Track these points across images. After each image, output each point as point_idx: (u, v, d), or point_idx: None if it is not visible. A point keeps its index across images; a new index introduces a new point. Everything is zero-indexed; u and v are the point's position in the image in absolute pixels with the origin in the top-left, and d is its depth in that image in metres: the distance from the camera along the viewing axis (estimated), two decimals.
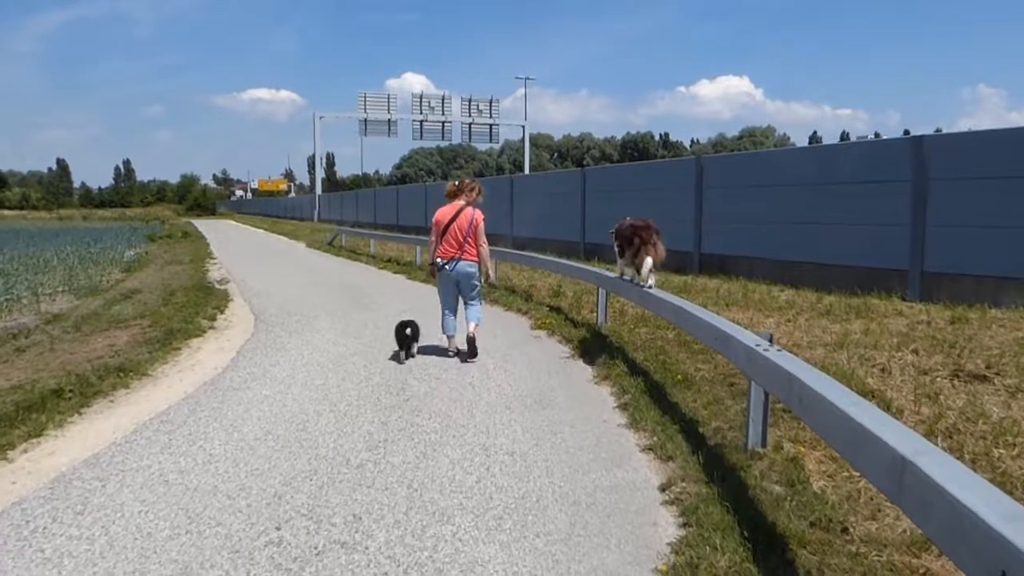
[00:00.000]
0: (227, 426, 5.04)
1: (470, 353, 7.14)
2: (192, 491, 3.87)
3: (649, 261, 6.94)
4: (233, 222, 61.96)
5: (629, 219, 7.51)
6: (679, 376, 5.94)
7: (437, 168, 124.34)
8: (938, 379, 5.46)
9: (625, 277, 7.54)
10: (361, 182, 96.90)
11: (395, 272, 15.85)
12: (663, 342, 7.35)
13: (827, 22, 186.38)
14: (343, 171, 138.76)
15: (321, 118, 51.80)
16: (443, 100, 53.32)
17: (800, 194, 11.32)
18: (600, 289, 8.20)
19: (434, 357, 7.24)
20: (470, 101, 53.74)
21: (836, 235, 10.67)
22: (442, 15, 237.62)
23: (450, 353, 7.34)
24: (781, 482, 3.75)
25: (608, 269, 9.55)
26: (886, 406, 4.84)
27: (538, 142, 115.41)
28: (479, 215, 7.25)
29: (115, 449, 4.59)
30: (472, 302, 7.41)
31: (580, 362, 6.99)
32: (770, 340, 4.05)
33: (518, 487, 3.92)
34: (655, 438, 4.64)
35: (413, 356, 7.27)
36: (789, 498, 3.53)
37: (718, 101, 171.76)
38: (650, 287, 6.89)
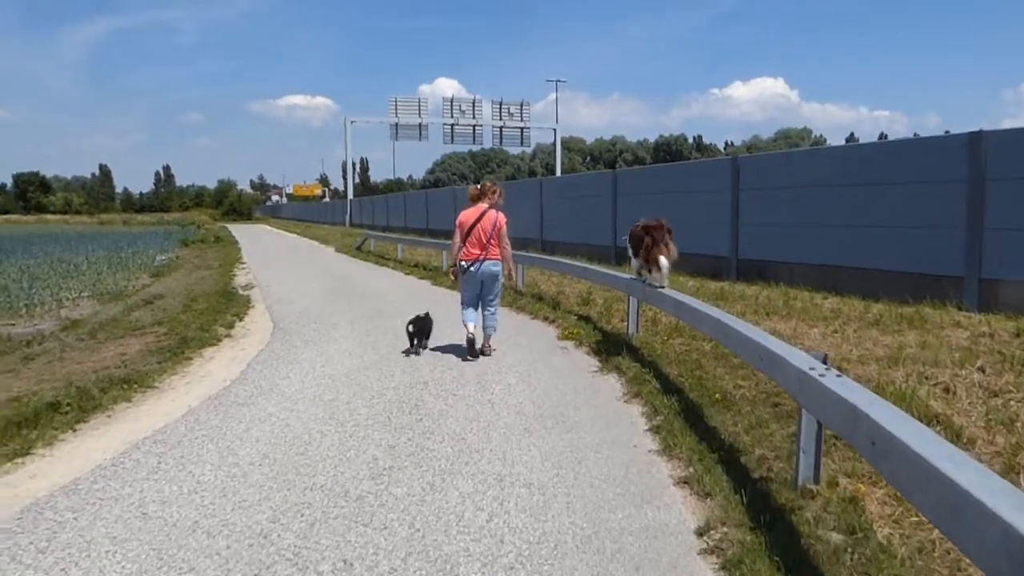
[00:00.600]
0: (223, 448, 4.65)
1: (480, 352, 7.45)
2: (170, 527, 3.47)
3: (664, 261, 6.86)
4: (267, 227, 62.49)
5: (643, 220, 7.44)
6: (717, 394, 5.42)
7: (470, 172, 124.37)
8: (1011, 402, 4.86)
9: (643, 279, 7.39)
10: (394, 187, 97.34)
11: (420, 278, 15.48)
12: (699, 355, 6.82)
13: (864, 22, 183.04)
14: (377, 176, 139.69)
15: (352, 123, 51.93)
16: (474, 104, 53.07)
17: (844, 195, 10.67)
18: (631, 297, 7.68)
19: (452, 372, 6.80)
20: (501, 104, 53.43)
21: (884, 239, 10.01)
22: (475, 21, 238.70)
23: (469, 336, 7.43)
24: (839, 528, 3.23)
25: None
26: (955, 434, 4.28)
27: (570, 145, 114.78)
28: (502, 217, 7.42)
29: (99, 473, 4.23)
30: (491, 307, 7.61)
31: (609, 377, 6.49)
32: (824, 361, 3.52)
33: (534, 528, 3.45)
34: (691, 469, 4.13)
35: (424, 348, 7.79)
36: (850, 550, 3.01)
37: (752, 103, 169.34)
38: (662, 287, 6.90)
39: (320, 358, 7.48)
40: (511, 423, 5.14)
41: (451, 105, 52.35)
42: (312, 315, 10.58)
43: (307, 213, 71.58)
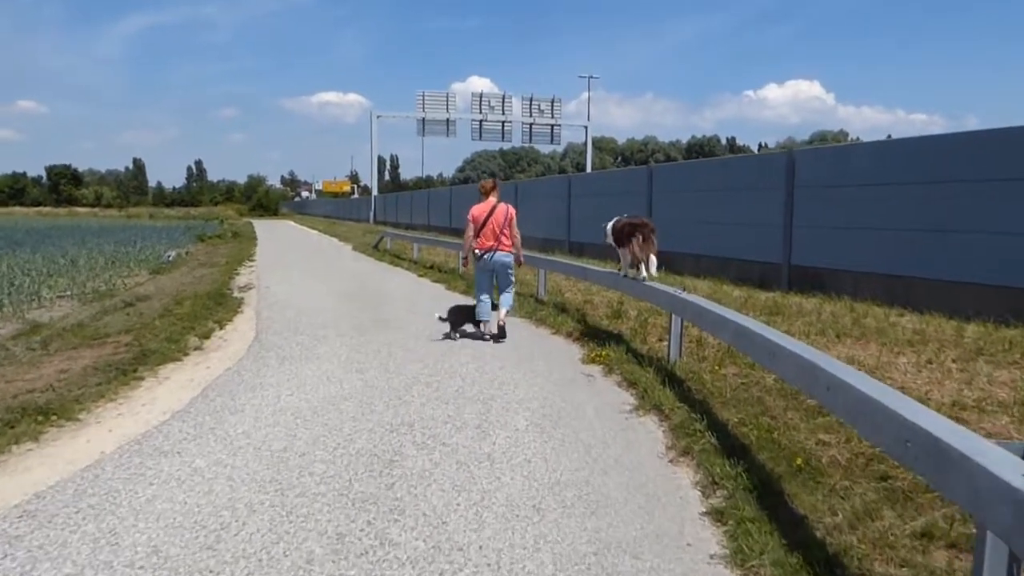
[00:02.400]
0: (98, 534, 3.29)
1: (500, 335, 7.87)
2: None
3: (653, 258, 7.28)
4: (292, 223, 61.78)
5: (626, 216, 7.77)
6: (798, 458, 3.95)
7: (500, 171, 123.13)
8: None
9: (629, 275, 7.76)
10: (423, 184, 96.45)
11: (434, 280, 14.11)
12: (760, 390, 5.34)
13: (900, 24, 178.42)
14: (407, 174, 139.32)
15: (379, 117, 50.83)
16: (503, 100, 51.61)
17: (921, 194, 9.08)
18: (674, 316, 6.19)
19: (447, 408, 5.39)
20: (531, 101, 51.89)
21: (973, 246, 8.41)
22: (507, 21, 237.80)
23: (486, 337, 7.93)
24: None
25: (680, 286, 7.63)
26: None
27: (601, 145, 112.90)
28: (512, 210, 8.09)
29: None
30: (507, 291, 8.17)
31: (647, 421, 5.04)
32: None
33: None
34: None
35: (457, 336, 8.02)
36: None
37: (786, 105, 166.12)
38: (649, 277, 7.26)
39: (291, 383, 6.13)
40: (514, 496, 3.72)
41: (480, 101, 50.97)
42: (303, 324, 9.27)
43: (333, 209, 70.86)
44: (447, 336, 8.04)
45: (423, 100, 48.81)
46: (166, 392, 6.01)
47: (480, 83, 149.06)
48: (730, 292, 10.67)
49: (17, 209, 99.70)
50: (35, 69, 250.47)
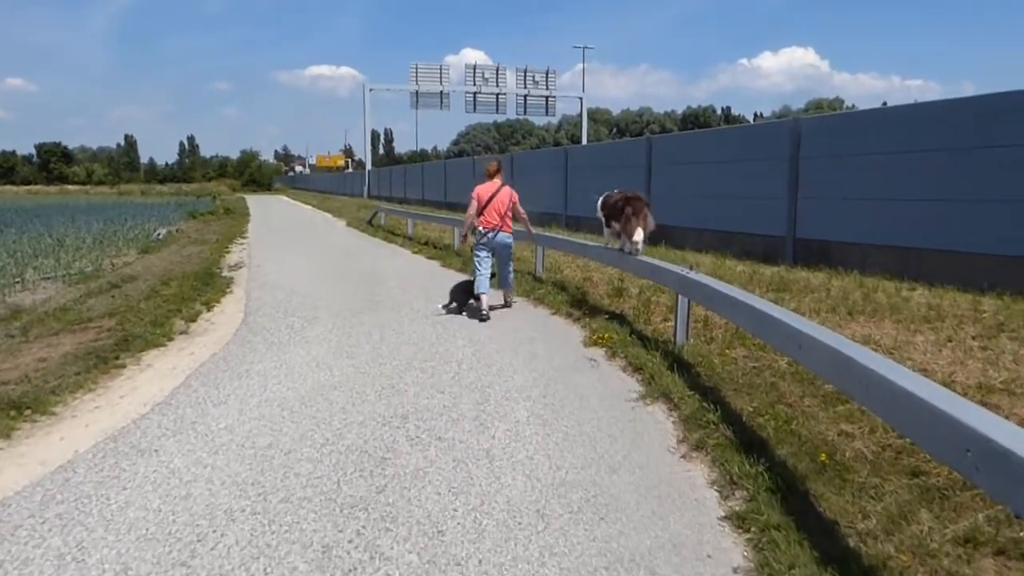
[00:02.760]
0: (64, 549, 3.00)
1: (505, 305, 8.47)
2: None
3: (640, 232, 7.17)
4: (285, 198, 61.13)
5: (617, 191, 7.67)
6: (821, 453, 3.67)
7: (494, 143, 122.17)
8: None
9: (612, 247, 7.93)
10: (418, 158, 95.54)
11: (429, 257, 13.78)
12: (773, 375, 5.06)
13: None
14: (401, 147, 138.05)
15: (371, 90, 49.94)
16: (497, 71, 50.75)
17: (932, 162, 8.75)
18: (680, 298, 5.88)
19: (444, 398, 5.10)
20: (526, 72, 51.00)
21: (990, 215, 8.11)
22: None
23: (483, 312, 7.83)
24: None
25: (682, 262, 7.33)
26: None
27: (596, 116, 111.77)
28: (515, 194, 8.37)
29: None
30: (507, 270, 8.44)
31: (655, 410, 4.75)
32: None
33: None
34: None
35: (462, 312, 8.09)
36: None
37: (781, 74, 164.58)
38: (639, 251, 7.24)
39: (279, 370, 5.82)
40: (515, 500, 3.43)
41: (474, 72, 50.11)
42: (294, 304, 8.95)
43: (327, 184, 70.17)
44: (447, 310, 8.17)
45: (416, 72, 47.95)
46: (147, 381, 5.70)
47: (474, 55, 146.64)
48: (733, 267, 10.37)
49: (7, 188, 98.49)
50: (24, 46, 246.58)
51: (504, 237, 8.17)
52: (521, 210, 8.38)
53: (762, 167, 11.51)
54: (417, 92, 48.02)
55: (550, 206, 19.50)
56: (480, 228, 8.15)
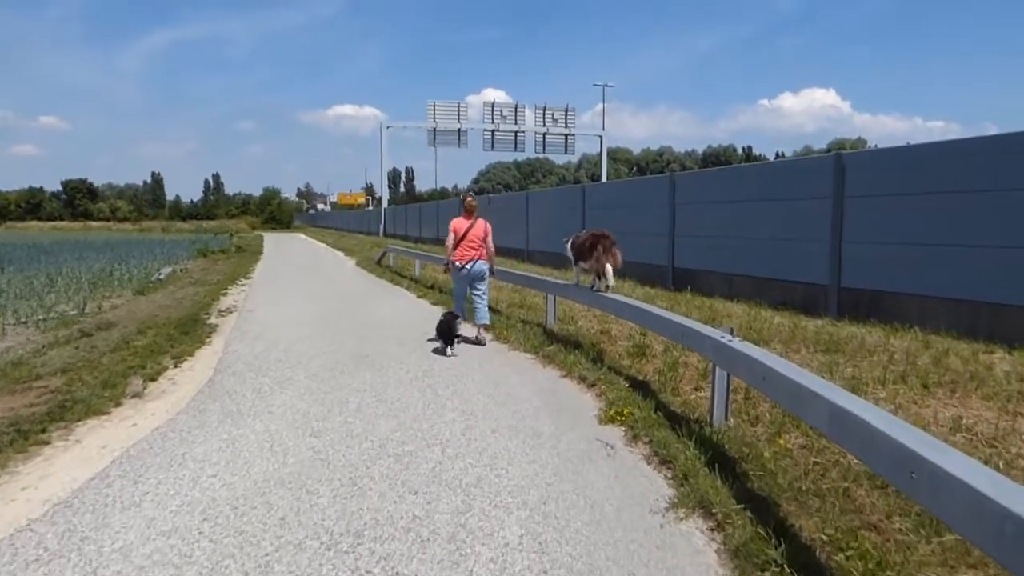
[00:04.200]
0: None
1: (476, 342, 8.68)
2: None
3: (610, 268, 7.49)
4: (303, 236, 60.85)
5: (585, 231, 8.20)
6: None
7: (514, 182, 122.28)
8: None
9: (583, 284, 8.34)
10: (438, 196, 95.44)
11: (433, 303, 12.72)
12: (843, 475, 3.89)
13: (916, 31, 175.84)
14: (423, 186, 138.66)
15: (388, 128, 49.70)
16: (516, 109, 50.30)
17: (1014, 202, 7.57)
18: (718, 370, 4.73)
19: (416, 504, 3.97)
20: (544, 110, 50.53)
21: None
22: (523, 34, 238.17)
23: (471, 340, 8.70)
24: None
25: (713, 321, 6.20)
26: None
27: (617, 156, 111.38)
28: (488, 226, 9.05)
29: None
30: (483, 299, 8.94)
31: (692, 530, 3.58)
32: None
33: None
34: None
35: (454, 349, 8.12)
36: None
37: (802, 114, 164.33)
38: (610, 287, 7.61)
39: (222, 453, 4.74)
40: None
41: (492, 110, 49.72)
42: (272, 360, 7.92)
43: (345, 222, 69.90)
44: (438, 352, 8.14)
45: (434, 110, 47.64)
46: (64, 466, 4.65)
47: (494, 95, 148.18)
48: (770, 319, 9.20)
49: (33, 224, 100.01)
50: (58, 85, 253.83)
51: (481, 265, 8.90)
52: (490, 244, 9.00)
53: (801, 207, 10.39)
54: (435, 130, 47.64)
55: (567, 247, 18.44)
56: (457, 262, 8.85)
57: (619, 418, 5.31)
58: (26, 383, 7.02)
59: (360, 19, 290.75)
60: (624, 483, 4.16)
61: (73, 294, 14.65)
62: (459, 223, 8.93)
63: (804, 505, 3.57)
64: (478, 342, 8.64)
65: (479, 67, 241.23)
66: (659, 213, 14.00)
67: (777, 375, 3.56)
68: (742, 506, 3.56)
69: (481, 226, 8.93)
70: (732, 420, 4.87)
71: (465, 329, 8.81)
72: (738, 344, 4.31)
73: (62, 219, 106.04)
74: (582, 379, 6.63)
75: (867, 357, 6.68)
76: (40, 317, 11.55)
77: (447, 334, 8.12)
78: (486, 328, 8.94)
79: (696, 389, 5.89)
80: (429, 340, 9.12)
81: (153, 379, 7.21)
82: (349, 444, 4.89)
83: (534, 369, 7.32)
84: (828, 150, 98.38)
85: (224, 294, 15.15)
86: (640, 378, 6.38)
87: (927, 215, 8.39)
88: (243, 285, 17.34)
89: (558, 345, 7.95)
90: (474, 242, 8.82)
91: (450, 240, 8.88)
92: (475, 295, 8.92)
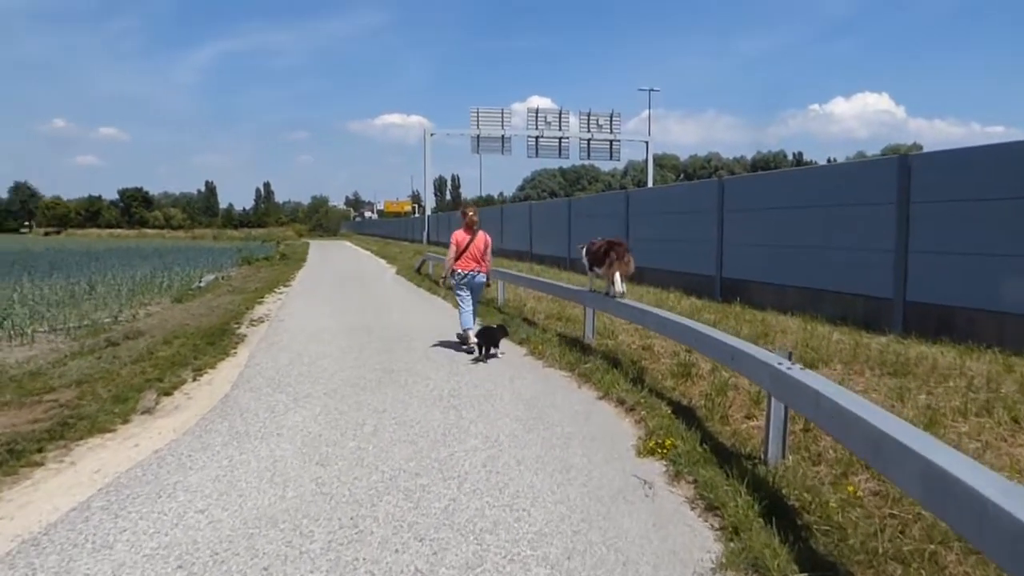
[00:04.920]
0: None
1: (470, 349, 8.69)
2: None
3: (619, 276, 7.61)
4: (349, 243, 61.31)
5: (600, 238, 8.20)
6: None
7: (560, 189, 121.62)
8: None
9: (597, 290, 8.47)
10: (483, 203, 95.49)
11: None
12: (924, 531, 3.24)
13: (972, 33, 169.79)
14: (469, 193, 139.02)
15: (432, 135, 49.66)
16: (560, 115, 49.78)
17: None
18: (774, 400, 4.11)
19: (422, 555, 3.46)
20: (589, 116, 49.90)
21: None
22: (570, 42, 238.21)
23: (466, 346, 8.77)
24: None
25: (766, 342, 5.59)
26: None
27: (663, 162, 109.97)
28: (489, 238, 9.05)
29: None
30: (473, 305, 9.05)
31: None
32: None
33: None
34: None
35: (493, 356, 8.29)
36: None
37: (854, 119, 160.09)
38: (622, 293, 7.66)
39: (218, 484, 4.30)
40: None
41: (536, 116, 49.28)
42: (294, 375, 7.54)
43: (391, 229, 70.33)
44: (476, 360, 8.18)
45: (478, 117, 47.43)
46: (49, 493, 4.28)
47: (540, 103, 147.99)
48: (828, 335, 8.48)
49: (92, 231, 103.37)
50: (119, 97, 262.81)
51: (481, 277, 9.02)
52: (490, 256, 9.14)
53: (860, 212, 9.63)
54: (479, 136, 47.43)
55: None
56: (459, 271, 8.86)
57: (660, 450, 4.72)
58: (37, 396, 6.76)
59: (407, 29, 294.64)
60: (663, 533, 3.58)
61: (111, 301, 14.61)
62: (461, 236, 8.92)
63: (882, 574, 2.94)
64: (469, 348, 8.71)
65: (524, 75, 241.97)
66: (707, 220, 13.31)
67: (851, 417, 2.93)
68: (806, 574, 2.95)
69: (482, 238, 8.95)
70: (790, 457, 4.24)
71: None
72: (799, 373, 3.69)
73: (119, 227, 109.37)
74: (620, 402, 6.04)
75: (942, 382, 5.95)
76: (73, 325, 11.43)
77: (487, 344, 8.22)
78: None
79: (748, 417, 5.26)
80: (459, 352, 8.65)
81: (168, 393, 6.88)
82: (357, 475, 4.41)
83: (568, 389, 6.76)
84: (883, 155, 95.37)
85: (260, 302, 14.95)
86: (685, 402, 5.77)
87: (1005, 222, 7.57)
88: (280, 293, 17.16)
89: (596, 361, 7.37)
90: (475, 255, 8.85)
91: (451, 252, 8.89)
92: (475, 304, 9.18)
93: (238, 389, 6.95)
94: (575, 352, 7.98)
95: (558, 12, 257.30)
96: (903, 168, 8.87)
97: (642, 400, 5.83)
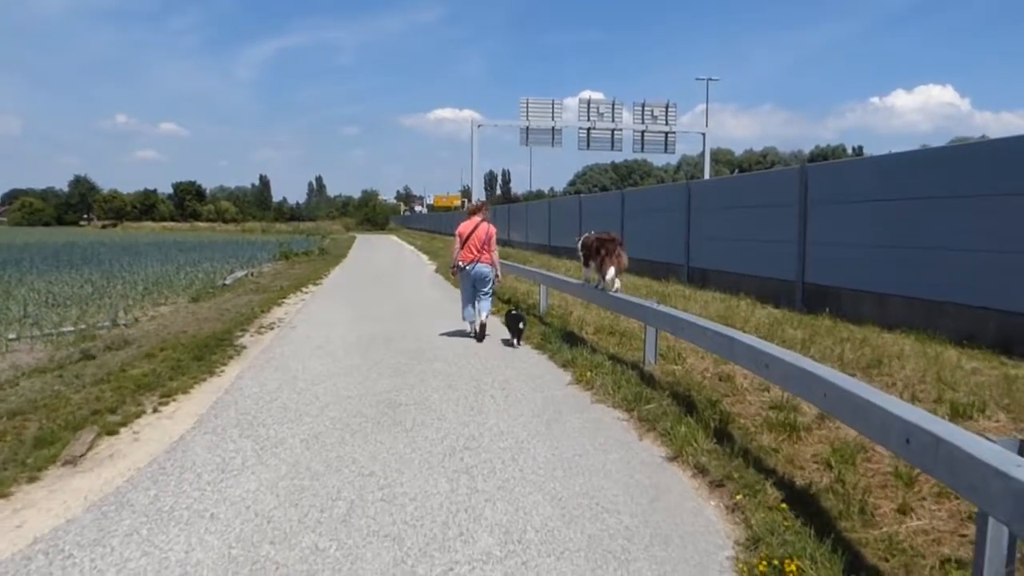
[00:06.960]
0: None
1: (480, 337, 9.13)
2: None
3: (612, 270, 7.77)
4: (395, 237, 60.51)
5: (595, 232, 8.41)
6: None
7: (611, 185, 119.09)
8: None
9: (591, 284, 8.60)
10: (533, 198, 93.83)
11: (504, 322, 10.60)
12: None
13: None
14: (519, 188, 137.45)
15: (480, 127, 48.09)
16: (613, 107, 47.57)
17: None
18: (992, 523, 2.33)
19: None
20: (643, 106, 47.53)
21: None
22: (624, 36, 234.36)
23: (469, 335, 9.35)
24: None
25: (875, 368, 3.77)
26: None
27: (718, 157, 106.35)
28: (492, 229, 9.40)
29: None
30: (485, 297, 9.38)
31: None
32: None
33: None
34: None
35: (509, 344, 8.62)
36: None
37: (916, 112, 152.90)
38: (616, 288, 7.93)
39: (146, 559, 2.75)
40: None
41: (588, 107, 47.20)
42: (278, 405, 6.02)
43: (439, 223, 69.18)
44: (507, 343, 8.83)
45: (527, 107, 45.61)
46: None
47: (594, 97, 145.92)
48: (955, 362, 6.59)
49: (147, 224, 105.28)
50: (179, 93, 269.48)
51: (481, 268, 9.15)
52: (495, 247, 9.35)
53: (989, 205, 7.65)
54: (528, 128, 45.60)
55: (667, 255, 15.95)
56: (460, 262, 9.17)
57: (769, 561, 2.97)
58: None
59: (459, 25, 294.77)
60: None
61: (122, 300, 13.43)
62: (463, 227, 9.29)
63: None
64: (478, 337, 9.10)
65: (576, 69, 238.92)
66: (785, 215, 11.37)
67: None
68: None
69: (484, 230, 9.20)
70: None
71: (460, 324, 9.75)
72: (959, 437, 1.89)
73: (173, 220, 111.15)
74: (700, 470, 4.28)
75: None
76: (59, 330, 10.16)
77: (513, 330, 8.81)
78: (483, 326, 9.21)
79: (902, 511, 3.47)
80: (487, 374, 7.02)
81: (114, 432, 5.43)
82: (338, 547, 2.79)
83: (626, 443, 5.00)
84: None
85: (280, 304, 13.60)
86: (797, 478, 3.99)
87: None
88: (306, 293, 15.84)
89: (662, 399, 5.61)
90: (476, 245, 9.11)
91: (456, 244, 9.32)
92: (480, 295, 9.29)
93: (198, 429, 5.43)
94: (633, 382, 6.23)
95: (610, 7, 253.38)
96: None
97: (734, 472, 4.06)
